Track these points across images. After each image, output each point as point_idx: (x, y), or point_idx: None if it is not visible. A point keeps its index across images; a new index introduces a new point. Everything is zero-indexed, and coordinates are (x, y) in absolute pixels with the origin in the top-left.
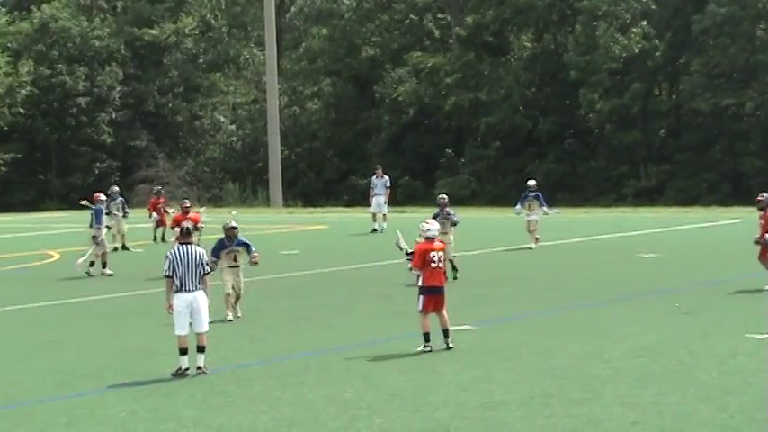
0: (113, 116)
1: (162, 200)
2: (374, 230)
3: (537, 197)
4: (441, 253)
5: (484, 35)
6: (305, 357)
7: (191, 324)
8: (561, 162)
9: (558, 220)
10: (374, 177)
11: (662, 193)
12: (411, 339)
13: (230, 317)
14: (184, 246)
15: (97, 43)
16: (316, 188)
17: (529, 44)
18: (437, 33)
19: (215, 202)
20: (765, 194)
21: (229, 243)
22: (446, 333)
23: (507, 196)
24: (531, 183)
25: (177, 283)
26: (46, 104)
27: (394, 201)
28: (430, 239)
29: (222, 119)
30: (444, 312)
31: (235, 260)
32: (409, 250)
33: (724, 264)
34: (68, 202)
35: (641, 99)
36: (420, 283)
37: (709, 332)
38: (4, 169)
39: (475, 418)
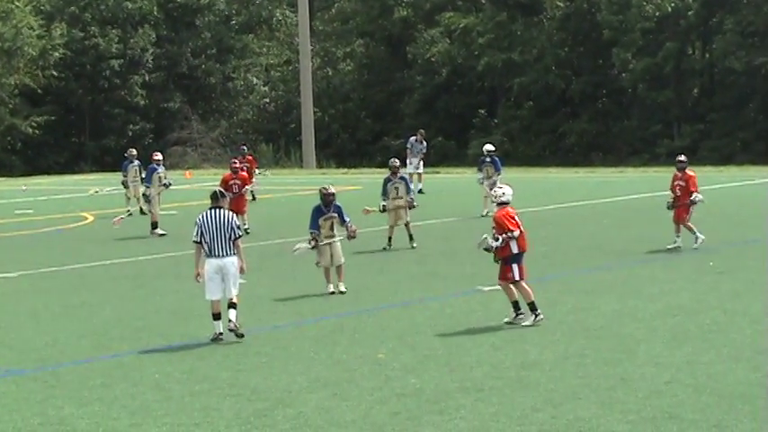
0: (146, 78)
1: (246, 159)
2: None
3: (493, 162)
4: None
5: None
6: (339, 318)
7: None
8: (594, 122)
9: (590, 181)
10: (413, 139)
11: (696, 153)
12: (445, 300)
13: (331, 288)
14: (214, 210)
15: (130, 5)
16: (349, 149)
17: (561, 3)
18: None
19: None
20: None
21: (327, 210)
22: (533, 306)
23: (541, 156)
24: (489, 147)
25: (206, 248)
26: (79, 67)
27: (427, 161)
28: (505, 205)
29: (255, 80)
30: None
31: (332, 229)
32: (495, 245)
33: (758, 223)
34: (102, 164)
35: (674, 58)
36: (515, 251)
37: (743, 291)
38: (38, 132)
39: (509, 377)
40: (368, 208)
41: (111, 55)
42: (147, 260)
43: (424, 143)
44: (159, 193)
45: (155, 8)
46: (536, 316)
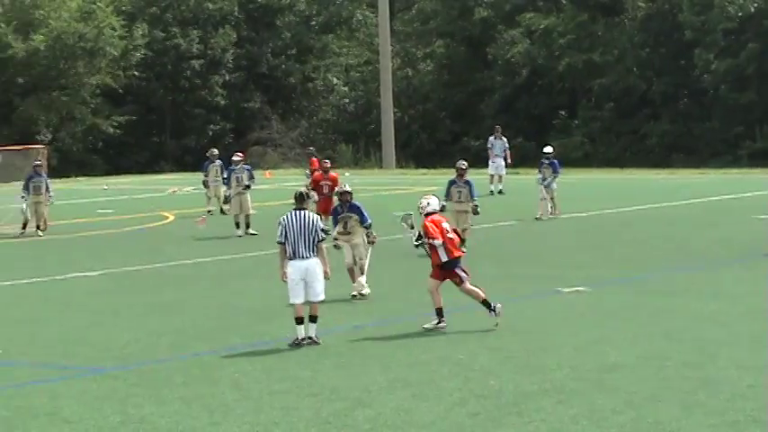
0: (227, 78)
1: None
2: (491, 192)
3: (552, 164)
4: (448, 225)
5: None
6: (419, 318)
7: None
8: (675, 123)
9: (671, 182)
10: (492, 137)
11: None
12: (525, 302)
13: (355, 292)
14: (298, 211)
15: (211, 6)
16: (428, 149)
17: (643, 4)
18: None
19: None
20: None
21: (342, 209)
22: (486, 303)
23: (621, 158)
24: (547, 149)
25: (290, 250)
26: (160, 67)
27: (510, 162)
28: (431, 214)
29: (335, 80)
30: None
31: (345, 227)
32: (417, 234)
33: None
34: (182, 164)
35: (757, 59)
36: (444, 258)
37: None
38: (119, 132)
39: (590, 380)
40: None
41: (192, 55)
42: (227, 260)
43: (504, 138)
44: (238, 194)
45: (235, 8)
46: (493, 310)
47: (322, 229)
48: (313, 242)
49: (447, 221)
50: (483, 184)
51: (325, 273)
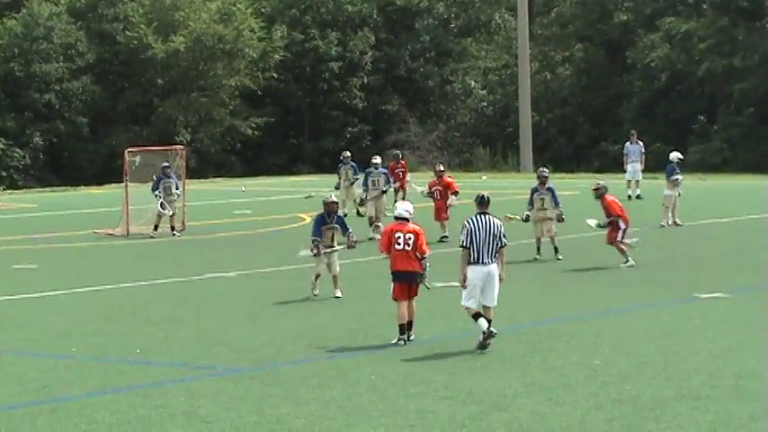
0: (365, 81)
1: (400, 164)
2: (629, 197)
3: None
4: (409, 235)
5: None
6: (555, 323)
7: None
8: None
9: None
10: (628, 143)
11: None
12: (662, 307)
13: (316, 291)
14: (482, 216)
15: (350, 8)
16: (566, 153)
17: None
18: None
19: (465, 166)
20: None
21: (330, 219)
22: (409, 325)
23: (761, 163)
24: (677, 155)
25: (474, 255)
26: (299, 69)
27: (646, 167)
28: (400, 220)
29: (473, 84)
30: (413, 303)
31: (332, 239)
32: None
33: None
34: (320, 166)
35: None
36: (391, 268)
37: None
38: (257, 133)
39: (727, 386)
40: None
41: (331, 57)
42: (365, 262)
43: (640, 143)
44: (374, 198)
45: (374, 11)
46: (398, 339)
47: (504, 235)
48: (496, 248)
49: (412, 232)
50: (620, 189)
51: (500, 277)
